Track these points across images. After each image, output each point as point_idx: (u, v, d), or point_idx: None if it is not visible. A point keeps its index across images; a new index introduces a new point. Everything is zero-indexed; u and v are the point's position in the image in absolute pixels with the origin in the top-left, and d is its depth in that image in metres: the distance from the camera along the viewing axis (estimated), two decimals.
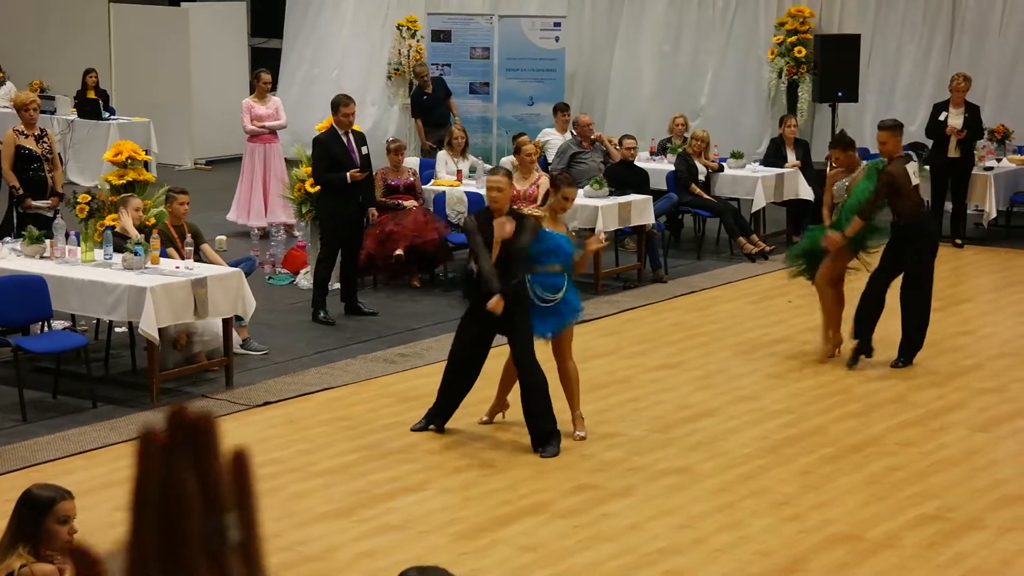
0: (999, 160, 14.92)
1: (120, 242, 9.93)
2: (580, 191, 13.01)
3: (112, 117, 17.80)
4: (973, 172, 14.40)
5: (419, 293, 12.42)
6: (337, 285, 11.66)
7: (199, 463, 0.96)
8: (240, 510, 0.97)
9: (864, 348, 10.05)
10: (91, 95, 17.79)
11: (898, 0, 16.93)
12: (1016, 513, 7.46)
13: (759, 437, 8.71)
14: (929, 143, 14.72)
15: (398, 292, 12.40)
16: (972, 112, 14.30)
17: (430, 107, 16.66)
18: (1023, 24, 16.27)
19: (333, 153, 11.28)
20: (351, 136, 11.38)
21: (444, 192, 13.01)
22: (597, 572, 6.71)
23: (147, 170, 11.68)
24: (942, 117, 14.30)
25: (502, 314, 8.21)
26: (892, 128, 10.04)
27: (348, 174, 11.17)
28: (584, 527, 7.26)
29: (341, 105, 11.33)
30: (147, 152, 13.03)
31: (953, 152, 14.26)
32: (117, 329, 10.39)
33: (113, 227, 10.23)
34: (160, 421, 0.97)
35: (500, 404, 8.81)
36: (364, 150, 11.44)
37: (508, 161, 13.31)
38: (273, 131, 14.54)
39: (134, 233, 10.09)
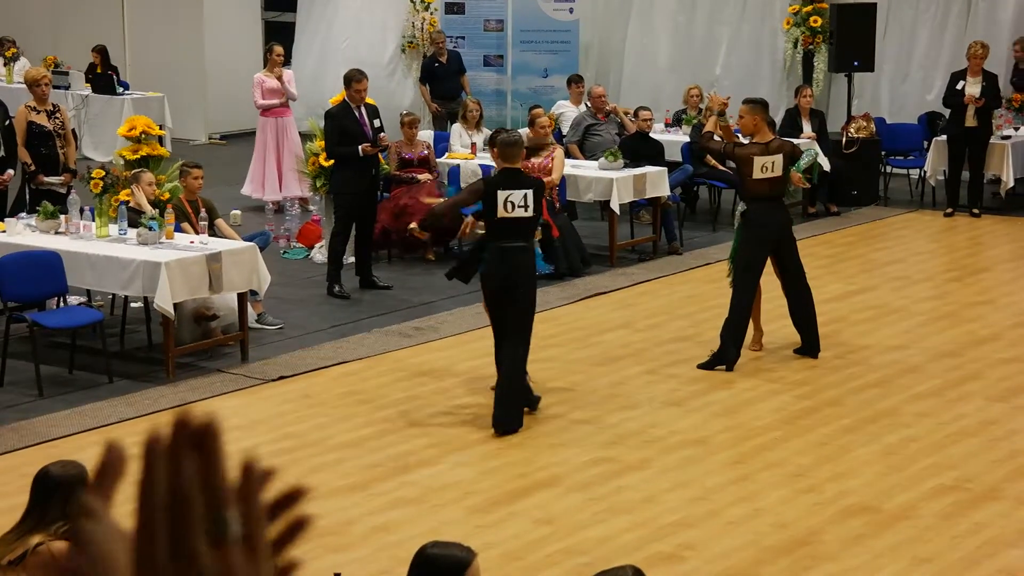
0: (1017, 129, 14.81)
1: (135, 217, 9.94)
2: (595, 163, 13.05)
3: (126, 92, 17.79)
4: (991, 141, 14.31)
5: (434, 266, 12.40)
6: (352, 259, 11.66)
7: (204, 464, 1.00)
8: (244, 507, 1.01)
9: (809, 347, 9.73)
10: (99, 71, 17.79)
11: None
12: None
13: (775, 409, 8.68)
14: (946, 112, 14.63)
15: (413, 266, 12.40)
16: (990, 80, 14.19)
17: (440, 76, 16.59)
18: None
19: (345, 127, 11.27)
20: (363, 110, 11.37)
21: (459, 165, 12.98)
22: (612, 545, 6.70)
23: (161, 145, 11.68)
24: (960, 86, 14.20)
25: (510, 290, 8.23)
26: (752, 104, 9.51)
27: (360, 147, 11.16)
28: (599, 500, 7.25)
29: (353, 81, 11.31)
30: (161, 127, 13.03)
31: (971, 121, 14.16)
32: (132, 304, 10.41)
33: (128, 202, 10.23)
34: (166, 426, 1.01)
35: None
36: (377, 123, 11.43)
37: (523, 133, 13.25)
38: (285, 104, 14.50)
39: (148, 208, 10.10)
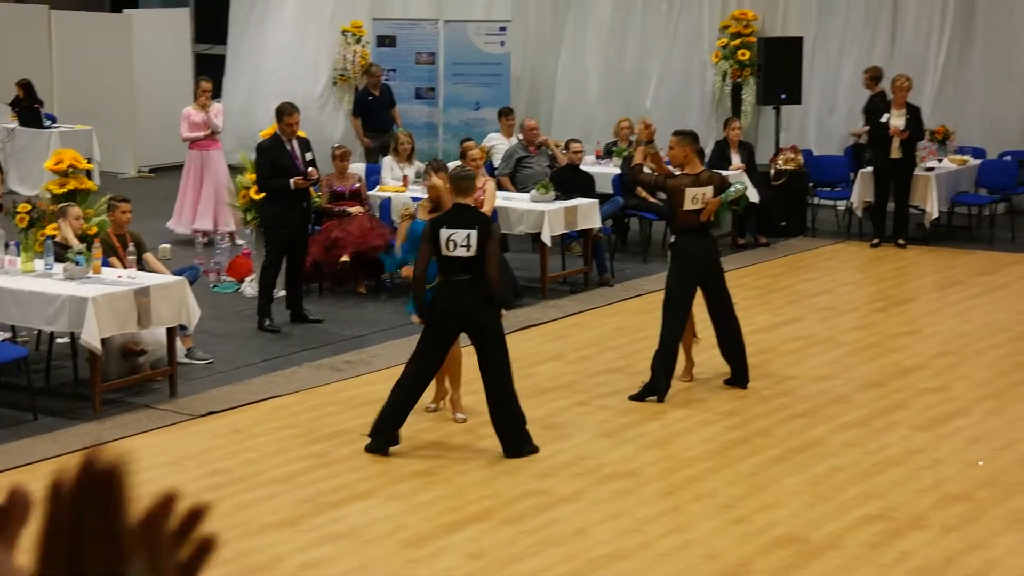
0: (940, 160, 15.06)
1: (61, 252, 9.83)
2: (526, 195, 13.10)
3: (53, 125, 17.62)
4: (915, 173, 14.54)
5: (365, 300, 12.39)
6: (282, 293, 11.61)
7: (105, 514, 0.98)
8: (151, 555, 0.98)
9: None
10: (24, 104, 17.61)
11: (840, 2, 17.06)
12: (958, 512, 7.53)
13: (705, 439, 8.74)
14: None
15: (344, 299, 12.37)
16: (913, 113, 14.43)
17: (373, 110, 16.61)
18: (963, 24, 16.44)
19: (277, 160, 11.24)
20: (295, 143, 11.35)
21: (390, 198, 12.99)
22: None
23: (89, 178, 11.58)
24: (884, 118, 14.43)
25: (469, 323, 8.27)
26: (681, 135, 9.58)
27: (292, 181, 11.13)
28: (531, 533, 7.25)
29: (285, 114, 11.29)
30: (89, 160, 12.90)
31: (896, 153, 14.38)
32: (58, 340, 10.29)
33: (54, 236, 10.13)
34: (70, 470, 0.99)
35: (443, 391, 9.00)
36: (309, 156, 11.41)
37: (455, 166, 13.28)
38: (211, 136, 14.43)
39: (75, 242, 10.00)
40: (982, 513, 7.51)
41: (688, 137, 9.63)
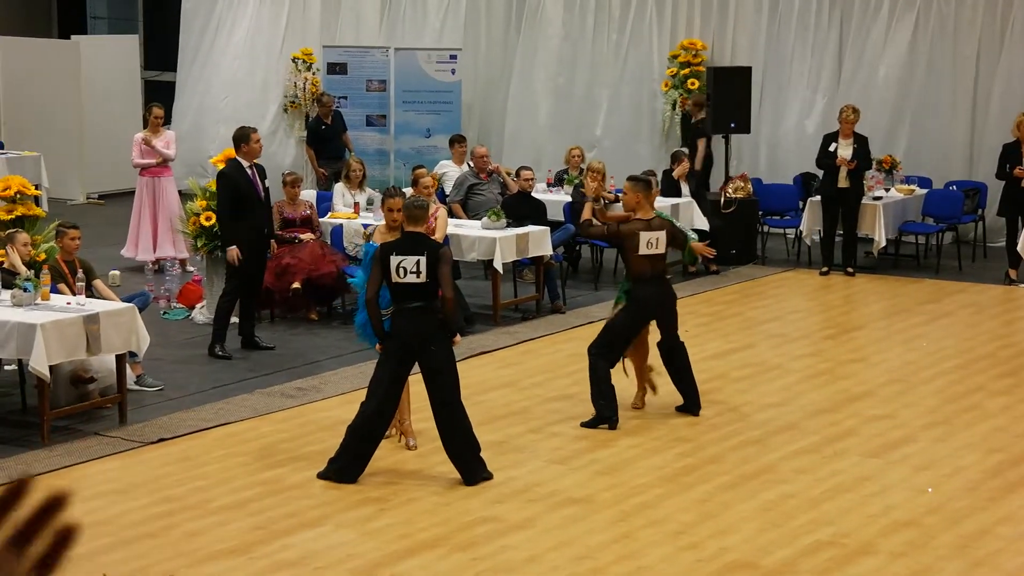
0: (887, 190, 15.24)
1: (9, 278, 9.75)
2: (478, 222, 13.13)
3: (1, 151, 17.48)
4: (863, 202, 14.70)
5: (317, 326, 12.35)
6: (234, 319, 11.54)
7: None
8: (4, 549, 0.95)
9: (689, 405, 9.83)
10: None
11: (787, 33, 17.25)
12: (907, 538, 7.59)
13: (657, 466, 8.76)
14: (820, 173, 15.01)
15: (295, 325, 12.33)
16: (861, 143, 14.60)
17: (327, 138, 16.62)
18: (909, 55, 16.66)
19: (239, 187, 11.17)
20: (254, 169, 11.29)
21: (341, 225, 12.98)
22: None
23: (37, 205, 11.49)
24: (832, 148, 14.59)
25: (423, 349, 8.23)
26: (634, 181, 9.67)
27: (234, 256, 11.02)
28: (483, 560, 7.24)
29: (251, 134, 11.22)
30: (37, 187, 12.81)
31: (843, 182, 14.54)
32: (6, 367, 10.18)
33: (1, 263, 10.04)
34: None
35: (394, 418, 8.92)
36: (265, 183, 11.38)
37: (408, 195, 13.29)
38: (163, 163, 14.36)
39: (23, 269, 9.92)
40: (930, 539, 7.58)
41: (641, 184, 9.69)
